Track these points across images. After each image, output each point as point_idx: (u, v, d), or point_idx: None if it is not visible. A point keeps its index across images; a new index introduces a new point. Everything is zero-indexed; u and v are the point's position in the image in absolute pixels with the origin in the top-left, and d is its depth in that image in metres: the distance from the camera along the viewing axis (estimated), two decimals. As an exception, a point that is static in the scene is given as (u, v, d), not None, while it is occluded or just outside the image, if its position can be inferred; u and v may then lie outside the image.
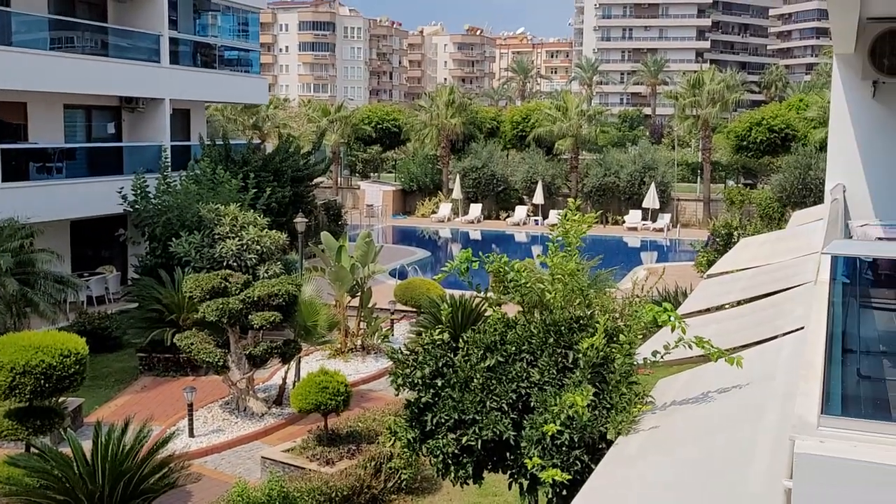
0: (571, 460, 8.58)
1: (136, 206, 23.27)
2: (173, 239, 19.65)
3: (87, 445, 9.68)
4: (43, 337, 13.82)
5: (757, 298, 10.69)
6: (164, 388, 17.62)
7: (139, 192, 23.50)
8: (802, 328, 7.42)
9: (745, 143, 49.07)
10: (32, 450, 12.00)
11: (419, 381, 9.79)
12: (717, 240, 30.08)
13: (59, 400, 14.19)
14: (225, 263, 18.05)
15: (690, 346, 8.33)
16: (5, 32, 22.14)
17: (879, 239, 7.34)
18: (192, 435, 14.93)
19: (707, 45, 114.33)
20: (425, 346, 10.04)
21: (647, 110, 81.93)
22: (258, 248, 18.30)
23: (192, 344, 16.67)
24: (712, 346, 8.14)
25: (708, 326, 9.34)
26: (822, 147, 35.81)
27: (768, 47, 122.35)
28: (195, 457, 14.06)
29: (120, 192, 24.15)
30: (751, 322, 9.72)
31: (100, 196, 24.40)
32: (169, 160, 26.83)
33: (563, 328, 9.45)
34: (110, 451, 9.45)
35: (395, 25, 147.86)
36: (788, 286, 10.43)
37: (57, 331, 15.55)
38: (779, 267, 12.07)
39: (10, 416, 13.55)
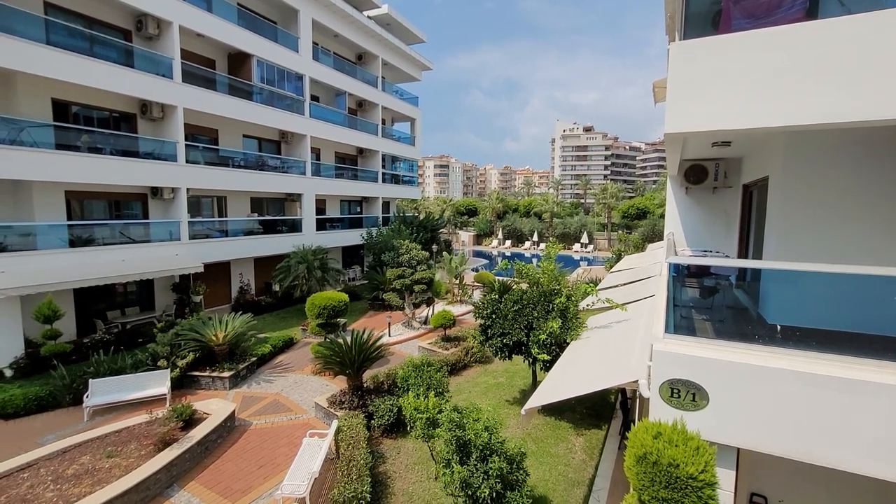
0: (551, 350, 8.45)
1: (368, 240, 23.67)
2: (382, 254, 20.06)
3: (348, 338, 10.01)
4: (332, 294, 14.36)
5: (633, 282, 10.30)
6: (378, 316, 17.94)
7: (369, 234, 23.94)
8: (654, 295, 7.14)
9: (626, 214, 47.04)
10: (327, 339, 12.50)
11: (484, 314, 9.80)
12: (614, 256, 28.83)
13: (337, 319, 14.74)
14: (404, 265, 18.34)
15: (603, 302, 8.10)
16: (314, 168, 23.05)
17: (689, 256, 7.01)
18: (389, 335, 15.18)
19: (608, 172, 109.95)
20: (487, 300, 10.05)
21: (583, 200, 79.22)
22: (417, 258, 18.52)
23: (390, 298, 17.04)
24: (613, 302, 7.91)
25: (611, 293, 9.05)
26: (662, 216, 34.14)
27: (636, 172, 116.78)
28: (390, 345, 14.28)
29: (362, 236, 24.73)
30: (630, 292, 9.38)
31: (353, 237, 24.98)
32: (381, 221, 27.34)
33: (547, 293, 9.34)
34: (357, 340, 9.74)
35: (473, 165, 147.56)
36: (648, 276, 10.02)
37: (336, 291, 16.17)
38: (643, 268, 11.59)
39: (319, 325, 14.14)
